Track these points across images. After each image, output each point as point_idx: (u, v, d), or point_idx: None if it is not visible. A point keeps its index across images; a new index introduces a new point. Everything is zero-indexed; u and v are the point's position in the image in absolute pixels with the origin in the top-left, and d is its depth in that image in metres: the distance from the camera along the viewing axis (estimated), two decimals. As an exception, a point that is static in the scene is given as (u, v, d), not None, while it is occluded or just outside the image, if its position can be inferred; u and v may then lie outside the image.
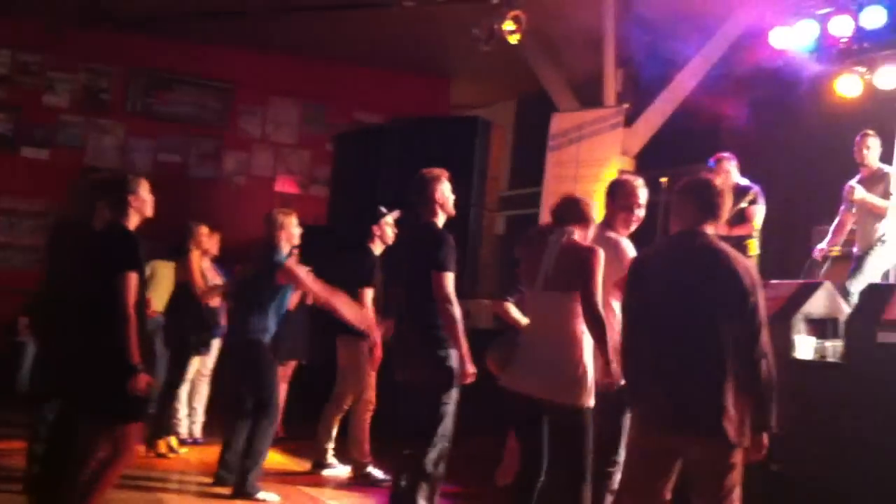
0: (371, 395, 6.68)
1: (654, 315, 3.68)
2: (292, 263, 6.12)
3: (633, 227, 4.79)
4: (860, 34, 9.06)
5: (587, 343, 4.28)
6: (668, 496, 3.71)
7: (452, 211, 5.05)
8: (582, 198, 4.59)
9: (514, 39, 8.63)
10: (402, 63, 11.96)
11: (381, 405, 6.65)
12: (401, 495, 4.82)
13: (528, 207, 10.55)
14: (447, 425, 4.77)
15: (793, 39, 9.53)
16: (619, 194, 4.82)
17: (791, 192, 10.07)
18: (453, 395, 4.79)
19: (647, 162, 9.82)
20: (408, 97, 12.04)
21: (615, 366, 4.15)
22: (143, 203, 4.66)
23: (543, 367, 4.30)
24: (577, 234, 4.39)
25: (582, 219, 4.43)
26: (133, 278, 4.40)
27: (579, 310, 4.26)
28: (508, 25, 8.57)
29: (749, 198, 7.49)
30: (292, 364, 7.80)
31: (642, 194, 4.79)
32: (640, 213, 4.78)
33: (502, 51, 8.99)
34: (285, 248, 6.16)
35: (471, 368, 4.80)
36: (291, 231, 6.23)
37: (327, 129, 12.04)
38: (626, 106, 9.00)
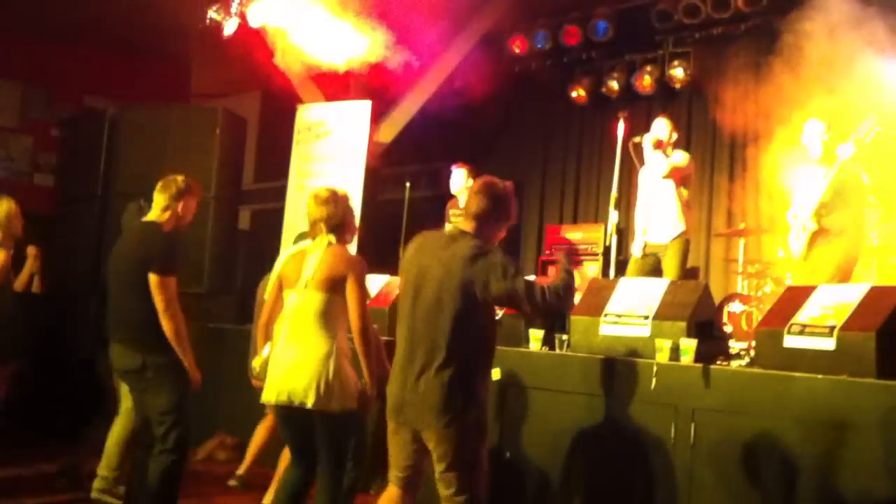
0: None
1: None
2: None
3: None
4: (589, 45, 9.71)
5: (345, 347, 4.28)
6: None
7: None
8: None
9: (256, 24, 8.32)
10: (138, 47, 11.25)
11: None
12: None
13: (274, 201, 10.29)
14: None
15: (529, 46, 10.04)
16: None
17: (530, 192, 10.57)
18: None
19: (394, 158, 9.92)
20: (144, 83, 11.34)
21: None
22: None
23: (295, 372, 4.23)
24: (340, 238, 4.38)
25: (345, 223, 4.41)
26: None
27: (339, 313, 4.25)
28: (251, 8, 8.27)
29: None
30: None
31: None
32: None
33: (245, 38, 8.67)
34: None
35: (196, 375, 4.72)
36: (11, 222, 5.64)
37: (53, 113, 11.15)
38: (370, 101, 8.95)
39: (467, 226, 4.00)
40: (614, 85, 9.65)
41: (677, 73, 9.19)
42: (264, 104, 12.59)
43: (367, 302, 4.40)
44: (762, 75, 8.27)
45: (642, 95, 9.52)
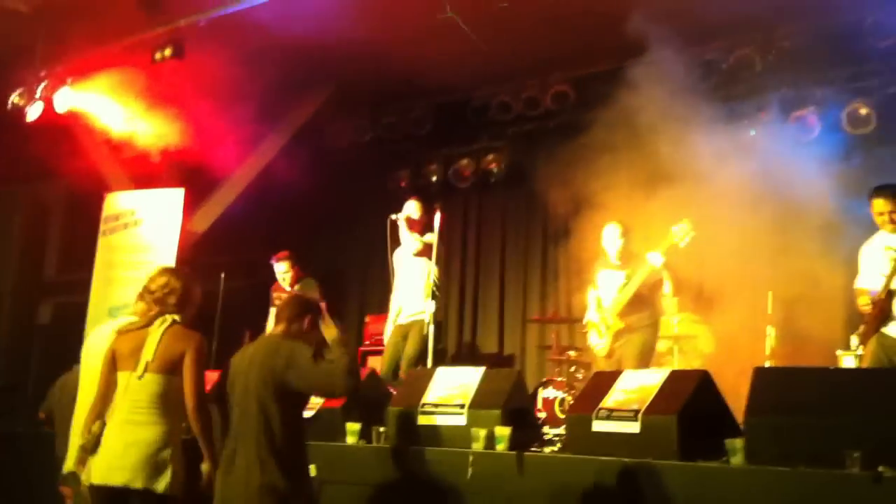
0: None
1: None
2: None
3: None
4: (408, 137, 9.92)
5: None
6: None
7: None
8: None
9: (62, 110, 7.99)
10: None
11: None
12: None
13: (78, 294, 9.71)
14: None
15: (349, 136, 10.15)
16: None
17: (351, 281, 10.50)
18: None
19: (209, 248, 9.63)
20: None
21: None
22: None
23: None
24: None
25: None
26: None
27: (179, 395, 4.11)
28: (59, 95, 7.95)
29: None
30: None
31: None
32: None
33: (50, 123, 8.30)
34: None
35: None
36: None
37: None
38: (183, 189, 8.72)
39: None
40: (433, 176, 9.86)
41: (492, 166, 9.50)
42: (70, 192, 11.98)
43: (204, 380, 4.20)
44: (572, 171, 8.65)
45: (459, 187, 9.75)
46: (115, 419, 4.11)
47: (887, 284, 5.26)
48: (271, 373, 4.04)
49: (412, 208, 7.15)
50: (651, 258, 6.08)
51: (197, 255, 9.33)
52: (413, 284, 7.01)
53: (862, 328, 5.46)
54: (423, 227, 7.12)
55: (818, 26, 7.68)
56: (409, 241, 7.03)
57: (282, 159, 9.57)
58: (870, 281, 5.47)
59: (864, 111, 7.56)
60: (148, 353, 4.10)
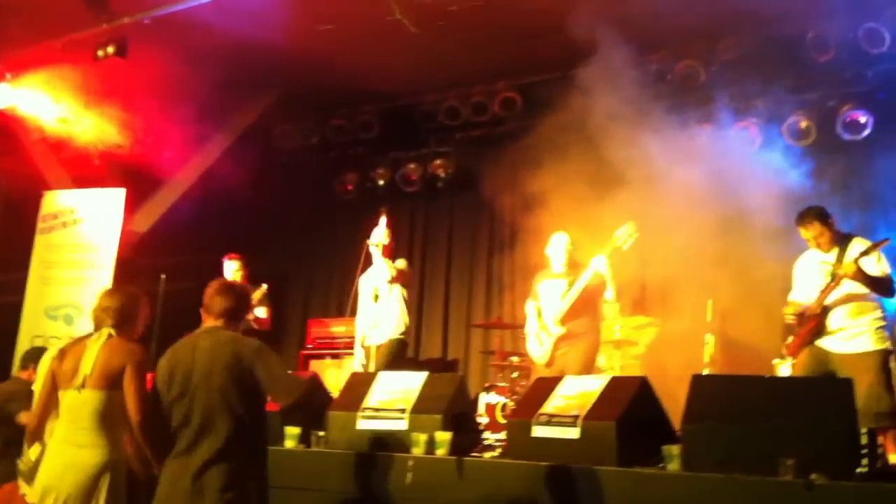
0: None
1: None
2: None
3: None
4: (356, 140, 9.88)
5: None
6: None
7: None
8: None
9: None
10: None
11: None
12: None
13: (13, 295, 9.46)
14: None
15: (296, 139, 10.08)
16: None
17: (295, 284, 10.41)
18: None
19: (151, 248, 9.46)
20: None
21: None
22: None
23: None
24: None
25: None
26: None
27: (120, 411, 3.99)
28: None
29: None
30: None
31: None
32: None
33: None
34: None
35: None
36: None
37: None
38: (124, 189, 8.56)
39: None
40: (380, 180, 9.82)
41: (440, 171, 9.50)
42: (7, 190, 11.68)
43: (146, 394, 4.06)
44: (519, 177, 8.69)
45: (407, 192, 9.73)
46: (55, 437, 4.04)
47: (821, 300, 5.34)
48: (237, 364, 3.87)
49: (382, 234, 7.06)
50: (595, 261, 6.10)
51: (137, 255, 9.17)
52: (381, 306, 6.97)
53: (790, 339, 5.54)
54: (392, 252, 7.10)
55: (761, 40, 7.81)
56: (384, 268, 6.97)
57: (227, 161, 9.45)
58: (803, 294, 5.55)
59: (804, 123, 7.70)
60: (86, 368, 4.01)
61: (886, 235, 5.61)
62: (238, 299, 4.15)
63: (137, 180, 8.97)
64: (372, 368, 6.72)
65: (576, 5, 6.95)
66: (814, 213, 5.45)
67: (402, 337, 7.03)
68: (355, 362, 7.06)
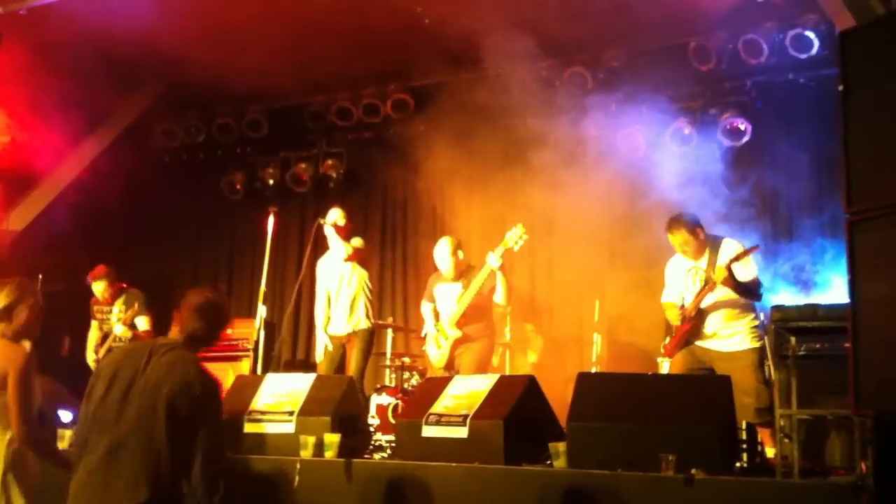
0: None
1: None
2: None
3: None
4: (243, 139, 9.70)
5: None
6: None
7: None
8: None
9: None
10: None
11: None
12: None
13: None
14: None
15: (180, 137, 9.83)
16: None
17: (180, 286, 10.12)
18: None
19: (27, 248, 9.07)
20: None
21: None
22: None
23: None
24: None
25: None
26: None
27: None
28: None
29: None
30: None
31: None
32: None
33: None
34: None
35: None
36: None
37: None
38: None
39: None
40: (270, 180, 9.66)
41: (331, 171, 9.41)
42: None
43: (31, 402, 3.76)
44: (411, 178, 8.69)
45: (297, 192, 9.60)
46: None
47: (697, 303, 5.49)
48: (184, 396, 3.40)
49: (337, 215, 6.91)
50: (489, 259, 6.10)
51: (13, 254, 8.78)
52: (346, 293, 6.83)
53: (668, 340, 5.69)
54: (348, 233, 6.92)
55: (646, 49, 8.04)
56: (340, 247, 6.78)
57: (107, 158, 9.14)
58: (675, 296, 5.70)
59: (687, 130, 7.95)
60: None
61: (758, 241, 5.85)
62: (210, 329, 3.63)
63: (13, 177, 8.58)
64: (353, 358, 6.67)
65: (464, 10, 6.98)
66: (681, 221, 5.53)
67: (371, 325, 6.89)
68: (318, 348, 6.87)
